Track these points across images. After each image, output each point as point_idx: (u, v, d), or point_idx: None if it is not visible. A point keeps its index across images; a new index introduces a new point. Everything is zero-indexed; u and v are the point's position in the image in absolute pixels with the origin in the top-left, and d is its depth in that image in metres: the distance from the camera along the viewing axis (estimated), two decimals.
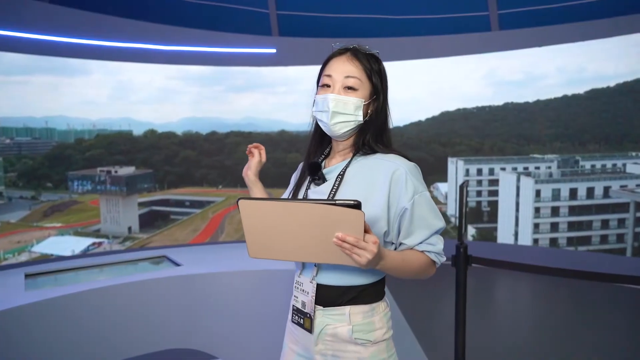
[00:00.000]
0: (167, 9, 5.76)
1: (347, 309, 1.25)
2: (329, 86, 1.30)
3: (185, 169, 6.35)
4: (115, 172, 6.08)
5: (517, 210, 6.31)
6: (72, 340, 2.43)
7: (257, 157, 1.54)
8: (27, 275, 2.76)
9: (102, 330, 2.53)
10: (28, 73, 5.12)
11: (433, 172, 6.87)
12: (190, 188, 6.48)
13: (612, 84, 5.49)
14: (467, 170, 6.69)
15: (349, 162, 1.31)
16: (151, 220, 6.55)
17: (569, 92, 5.82)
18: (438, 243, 1.27)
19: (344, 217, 0.99)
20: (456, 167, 6.72)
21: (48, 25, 4.67)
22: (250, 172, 1.55)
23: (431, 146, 6.85)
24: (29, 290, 2.52)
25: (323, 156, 1.41)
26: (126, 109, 6.00)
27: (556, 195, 6.16)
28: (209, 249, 3.47)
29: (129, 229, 6.29)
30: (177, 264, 2.87)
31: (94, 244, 5.95)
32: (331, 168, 1.34)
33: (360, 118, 1.28)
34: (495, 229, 6.51)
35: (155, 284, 2.62)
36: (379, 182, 1.24)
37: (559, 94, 5.91)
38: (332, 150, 1.41)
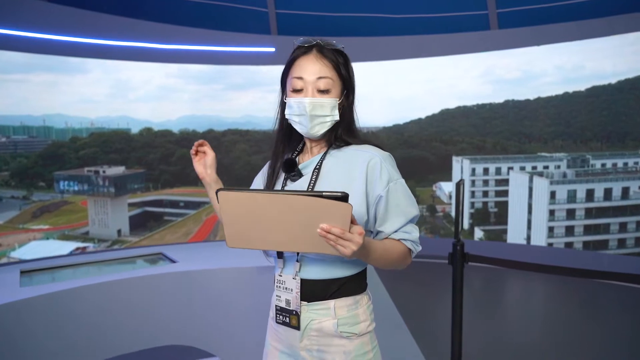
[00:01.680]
0: (165, 7, 5.87)
1: (331, 302, 1.29)
2: (300, 90, 1.31)
3: (181, 167, 6.40)
4: (104, 172, 5.97)
5: (530, 212, 6.21)
6: (67, 336, 2.50)
7: (210, 153, 1.51)
8: (22, 272, 2.85)
9: (98, 326, 2.60)
10: (26, 71, 5.20)
11: (435, 171, 6.89)
12: (185, 188, 6.50)
13: (613, 81, 5.53)
14: (474, 170, 6.66)
15: (324, 156, 1.35)
16: (144, 221, 6.47)
17: (569, 90, 5.87)
18: (413, 232, 1.32)
19: (331, 209, 1.00)
20: (461, 167, 6.70)
21: (47, 24, 4.77)
22: (210, 170, 1.51)
23: (432, 144, 6.87)
24: (24, 287, 2.61)
25: (296, 152, 1.43)
26: (125, 108, 6.06)
27: (572, 197, 6.04)
28: (205, 246, 3.57)
29: (119, 231, 6.18)
30: (173, 261, 2.96)
31: (77, 249, 5.75)
32: (306, 163, 1.37)
33: (337, 117, 1.32)
34: (505, 231, 6.43)
35: (152, 280, 2.71)
36: (356, 173, 1.29)
37: (558, 92, 5.94)
38: (304, 146, 1.43)
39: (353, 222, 1.05)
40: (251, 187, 1.50)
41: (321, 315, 1.29)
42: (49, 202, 5.76)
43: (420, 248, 1.34)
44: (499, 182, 6.59)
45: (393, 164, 1.33)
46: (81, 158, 5.85)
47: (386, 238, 1.31)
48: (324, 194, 0.99)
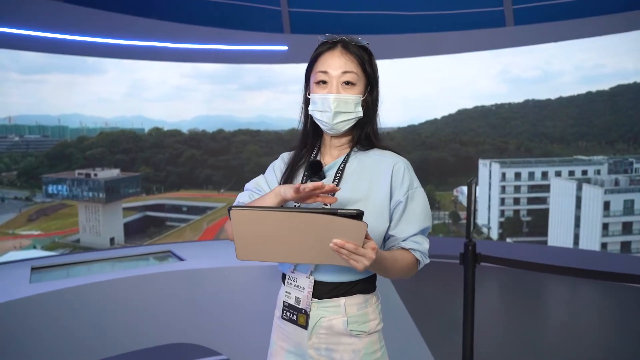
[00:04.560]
0: (179, 6, 6.19)
1: (342, 300, 1.35)
2: (325, 82, 1.36)
3: (189, 169, 6.56)
4: (95, 175, 5.93)
5: (578, 225, 5.87)
6: (73, 333, 2.65)
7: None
8: (33, 268, 3.04)
9: (104, 324, 2.75)
10: (45, 72, 5.53)
11: (456, 174, 6.86)
12: (190, 192, 6.60)
13: (638, 79, 5.48)
14: (504, 175, 6.52)
15: (347, 157, 1.41)
16: (144, 227, 6.48)
17: (588, 89, 5.88)
18: (424, 243, 1.37)
19: (346, 227, 1.03)
20: (489, 171, 6.60)
21: (63, 24, 5.09)
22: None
23: (451, 146, 6.91)
24: (34, 283, 2.77)
25: (316, 150, 1.48)
26: (140, 107, 6.33)
27: (629, 208, 5.62)
28: (214, 244, 3.73)
29: (111, 240, 6.11)
30: (181, 259, 3.14)
31: None
32: (330, 165, 1.42)
33: (361, 113, 1.38)
34: (544, 243, 6.14)
35: (159, 278, 2.87)
36: (381, 177, 1.36)
37: (578, 91, 5.92)
38: (323, 144, 1.48)
39: (367, 237, 1.08)
40: (266, 173, 1.54)
41: (331, 313, 1.35)
42: (47, 205, 5.77)
43: (428, 261, 1.39)
44: (532, 188, 6.40)
45: (413, 172, 1.41)
46: (88, 158, 6.01)
47: (396, 247, 1.37)
48: (338, 212, 1.02)
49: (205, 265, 2.98)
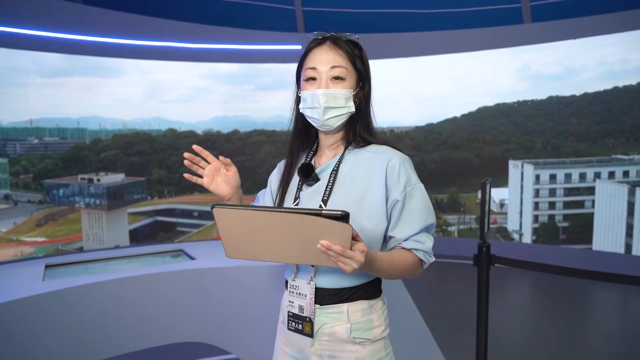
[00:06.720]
0: (195, 7, 6.47)
1: (345, 306, 1.35)
2: (314, 79, 1.38)
3: None
4: (98, 180, 5.95)
5: (630, 235, 5.63)
6: (82, 332, 2.76)
7: (233, 168, 1.55)
8: (47, 266, 3.20)
9: (113, 322, 2.85)
10: (66, 75, 5.80)
11: (479, 174, 6.74)
12: (203, 195, 6.72)
13: None
14: (537, 177, 6.38)
15: (341, 157, 1.42)
16: (154, 232, 6.56)
17: (614, 85, 5.85)
18: (427, 241, 1.35)
19: (330, 228, 1.03)
20: (522, 172, 6.50)
21: (82, 26, 5.38)
22: (237, 187, 1.57)
23: (474, 145, 6.90)
24: (47, 280, 2.91)
25: (312, 152, 1.51)
26: (158, 108, 6.57)
27: None
28: None
29: (116, 248, 5.98)
30: (192, 258, 3.27)
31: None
32: (323, 166, 1.44)
33: (352, 108, 1.38)
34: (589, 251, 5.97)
35: (170, 276, 3.00)
36: (375, 176, 1.35)
37: (603, 87, 5.89)
38: (319, 145, 1.51)
39: (356, 239, 1.08)
40: (267, 187, 1.62)
41: (334, 319, 1.36)
42: (56, 209, 5.84)
43: (433, 259, 1.37)
44: (569, 191, 6.22)
45: (412, 167, 1.39)
46: (102, 160, 6.19)
47: (396, 247, 1.36)
48: (322, 212, 1.02)
49: (216, 265, 3.07)
